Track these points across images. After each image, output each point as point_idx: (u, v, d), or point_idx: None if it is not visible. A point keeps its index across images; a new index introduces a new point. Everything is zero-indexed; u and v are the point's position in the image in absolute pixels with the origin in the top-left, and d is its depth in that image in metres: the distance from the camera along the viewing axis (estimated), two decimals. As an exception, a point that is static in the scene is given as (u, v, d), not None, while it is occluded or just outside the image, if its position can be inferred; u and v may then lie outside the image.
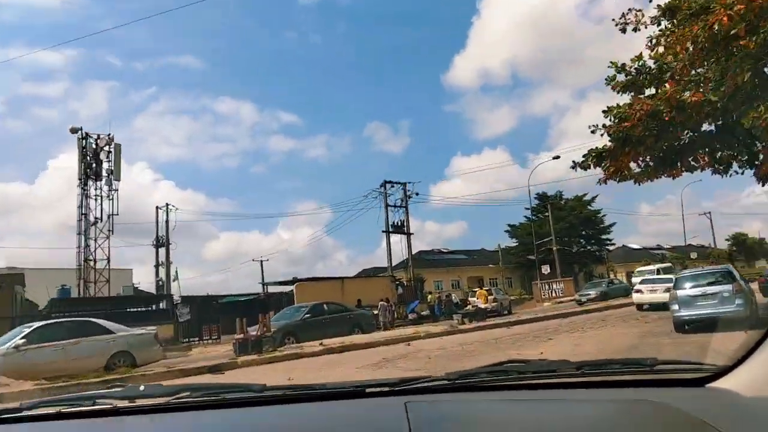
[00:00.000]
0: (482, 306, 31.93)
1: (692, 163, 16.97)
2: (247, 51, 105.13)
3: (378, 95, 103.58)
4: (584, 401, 1.50)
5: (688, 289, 13.69)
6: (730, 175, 17.72)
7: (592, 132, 15.93)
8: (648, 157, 17.01)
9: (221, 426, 1.60)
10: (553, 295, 39.60)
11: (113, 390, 1.98)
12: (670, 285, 17.99)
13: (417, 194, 41.97)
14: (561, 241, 56.64)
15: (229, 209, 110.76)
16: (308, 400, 1.72)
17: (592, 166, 17.28)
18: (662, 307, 19.18)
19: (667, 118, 14.06)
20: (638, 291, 22.42)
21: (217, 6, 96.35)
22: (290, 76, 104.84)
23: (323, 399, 1.72)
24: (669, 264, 41.70)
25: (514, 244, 60.73)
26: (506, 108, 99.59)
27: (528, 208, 60.78)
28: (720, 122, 15.99)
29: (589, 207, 60.17)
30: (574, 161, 17.35)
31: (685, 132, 16.11)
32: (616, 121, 15.36)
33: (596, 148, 16.73)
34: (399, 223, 40.19)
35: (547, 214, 54.44)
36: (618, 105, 15.54)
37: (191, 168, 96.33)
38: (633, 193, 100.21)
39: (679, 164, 17.21)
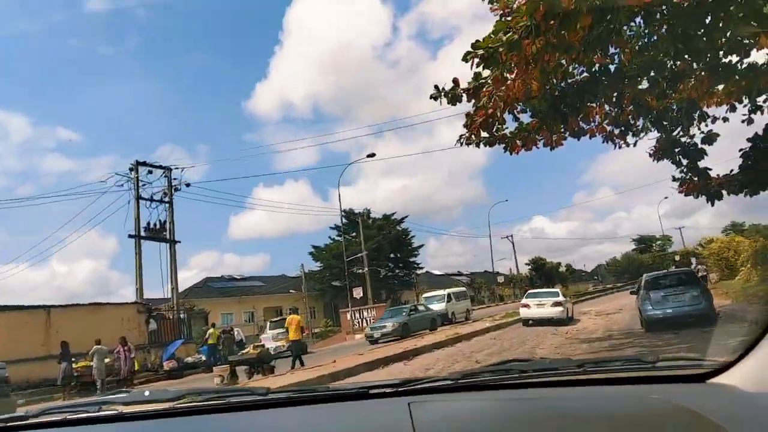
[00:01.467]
0: (275, 344, 23.21)
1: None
2: (21, 56, 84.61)
3: (174, 115, 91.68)
4: (586, 399, 1.50)
5: (659, 290, 14.29)
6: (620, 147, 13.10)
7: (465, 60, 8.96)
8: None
9: (226, 430, 1.62)
10: (365, 324, 32.31)
11: (118, 396, 2.03)
12: (559, 299, 20.61)
13: (188, 185, 30.63)
14: (369, 263, 50.57)
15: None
16: (312, 402, 1.71)
17: (465, 98, 10.28)
18: (549, 322, 19.56)
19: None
20: (525, 306, 21.26)
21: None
22: (70, 88, 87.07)
23: (327, 401, 1.70)
24: (462, 288, 37.62)
25: (319, 268, 53.12)
26: (309, 141, 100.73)
27: (335, 227, 53.86)
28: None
29: (397, 228, 55.29)
30: (441, 89, 10.09)
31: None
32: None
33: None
34: (157, 226, 28.48)
35: (354, 234, 48.12)
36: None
37: None
38: (445, 216, 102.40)
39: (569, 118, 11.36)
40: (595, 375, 1.64)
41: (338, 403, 1.69)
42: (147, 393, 1.92)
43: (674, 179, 14.96)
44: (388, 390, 1.66)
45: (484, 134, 11.36)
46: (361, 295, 35.63)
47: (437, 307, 29.13)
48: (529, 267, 65.21)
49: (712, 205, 13.33)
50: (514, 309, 34.05)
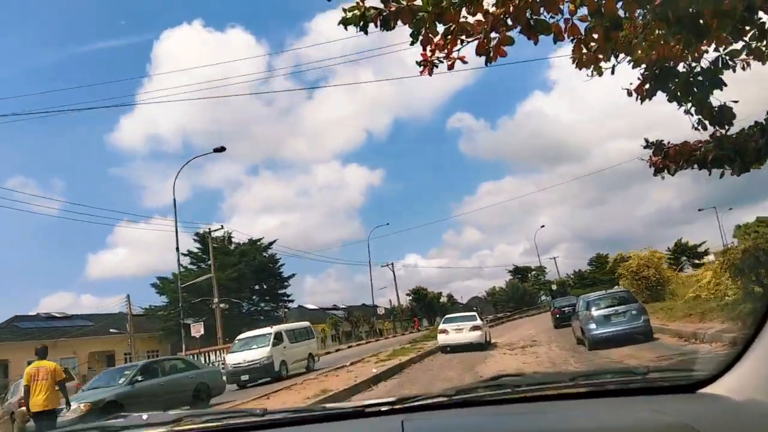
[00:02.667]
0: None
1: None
2: None
3: (26, 146, 78.52)
4: (578, 412, 1.51)
5: (601, 309, 14.71)
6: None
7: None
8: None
9: None
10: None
11: (116, 421, 1.94)
12: (477, 323, 20.58)
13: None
14: (227, 294, 42.66)
15: None
16: (308, 422, 1.71)
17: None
18: (469, 347, 19.31)
19: None
20: (443, 332, 20.66)
21: None
22: None
23: (323, 420, 1.71)
24: (305, 324, 30.10)
25: (164, 303, 44.14)
26: (180, 177, 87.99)
27: (187, 253, 45.44)
28: None
29: (264, 254, 48.04)
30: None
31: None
32: None
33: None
34: None
35: (210, 262, 40.16)
36: None
37: None
38: (324, 254, 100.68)
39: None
40: (586, 388, 1.65)
41: (334, 422, 1.70)
42: (145, 417, 1.89)
43: (648, 145, 10.65)
44: (383, 408, 1.65)
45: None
46: (201, 332, 27.94)
47: (254, 354, 19.40)
48: (410, 298, 60.66)
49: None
50: (398, 343, 29.26)
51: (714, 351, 10.62)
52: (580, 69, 8.22)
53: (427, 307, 59.77)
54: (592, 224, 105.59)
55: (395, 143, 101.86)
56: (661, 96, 8.97)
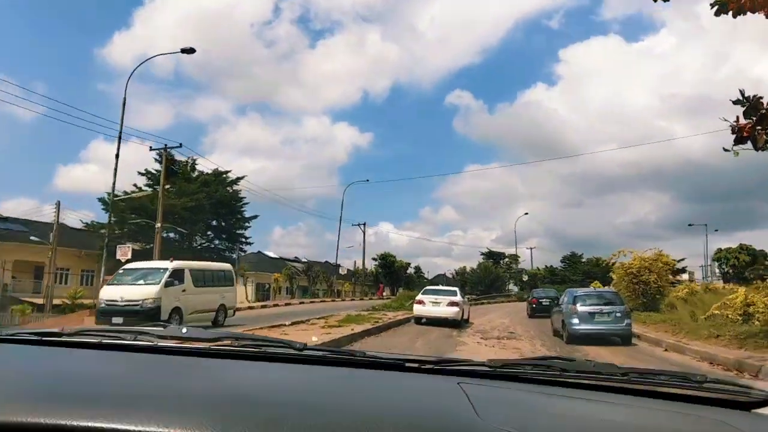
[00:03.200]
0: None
1: None
2: None
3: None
4: (631, 407, 1.45)
5: (587, 306, 14.65)
6: None
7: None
8: None
9: (259, 378, 1.55)
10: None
11: (155, 329, 1.90)
12: (456, 299, 19.79)
13: None
14: (183, 225, 38.87)
15: None
16: (350, 365, 1.67)
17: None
18: (444, 322, 18.71)
19: None
20: (420, 302, 19.84)
21: None
22: None
23: (364, 367, 1.66)
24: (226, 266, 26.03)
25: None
26: (165, 104, 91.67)
27: (144, 173, 41.53)
28: None
29: (228, 189, 44.08)
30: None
31: None
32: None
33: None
34: None
35: (170, 186, 36.07)
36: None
37: None
38: (299, 206, 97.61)
39: None
40: (639, 385, 1.58)
41: (376, 370, 1.64)
42: (184, 330, 1.84)
43: (740, 101, 8.68)
44: (425, 366, 1.62)
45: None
46: (128, 255, 24.31)
47: (138, 291, 15.43)
48: (377, 263, 57.42)
49: None
50: (355, 308, 26.07)
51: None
52: None
53: (392, 275, 56.60)
54: (567, 224, 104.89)
55: (389, 109, 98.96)
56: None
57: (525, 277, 64.89)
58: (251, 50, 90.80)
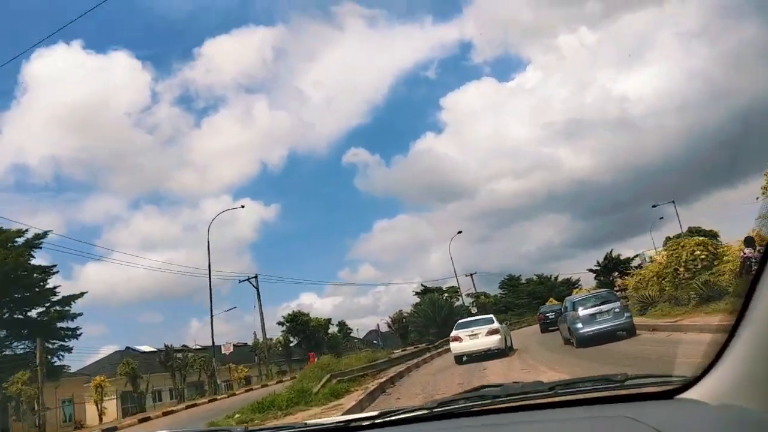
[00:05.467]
0: None
1: None
2: None
3: None
4: (558, 421, 1.49)
5: (587, 309, 15.21)
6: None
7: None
8: None
9: None
10: None
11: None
12: (495, 326, 18.08)
13: None
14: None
15: None
16: None
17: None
18: (485, 356, 17.33)
19: None
20: (456, 339, 18.17)
21: None
22: None
23: None
24: None
25: None
26: (51, 211, 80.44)
27: None
28: None
29: (29, 257, 28.23)
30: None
31: None
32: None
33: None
34: None
35: None
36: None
37: None
38: (214, 293, 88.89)
39: None
40: (565, 396, 1.61)
41: None
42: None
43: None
44: (365, 423, 1.64)
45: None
46: None
47: None
48: (285, 328, 42.42)
49: None
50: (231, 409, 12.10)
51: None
52: None
53: (309, 339, 41.78)
54: (480, 259, 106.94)
55: (290, 177, 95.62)
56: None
57: (473, 309, 52.41)
58: (132, 140, 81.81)
